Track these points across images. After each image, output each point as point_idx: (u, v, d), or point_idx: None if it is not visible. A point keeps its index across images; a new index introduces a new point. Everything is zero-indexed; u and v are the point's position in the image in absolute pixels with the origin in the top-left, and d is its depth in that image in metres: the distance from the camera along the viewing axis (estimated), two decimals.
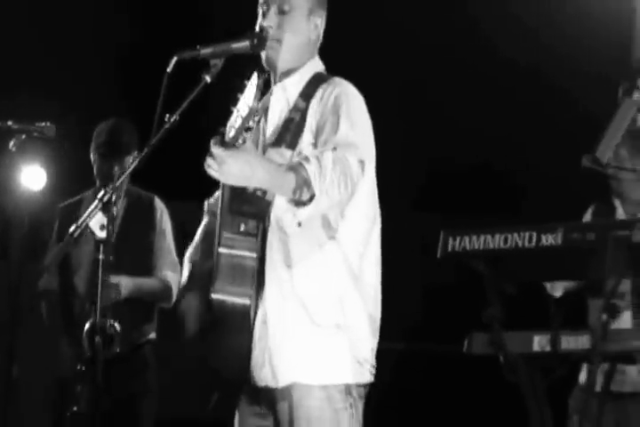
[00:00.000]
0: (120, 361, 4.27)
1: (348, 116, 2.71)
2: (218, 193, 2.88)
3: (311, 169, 2.51)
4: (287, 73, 2.83)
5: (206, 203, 3.12)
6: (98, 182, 4.62)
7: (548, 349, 3.66)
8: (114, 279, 4.24)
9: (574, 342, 3.65)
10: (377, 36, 5.89)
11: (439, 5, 6.07)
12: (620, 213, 4.25)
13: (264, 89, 2.64)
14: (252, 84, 2.51)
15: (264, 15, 2.82)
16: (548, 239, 3.55)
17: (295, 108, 2.78)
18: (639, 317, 3.71)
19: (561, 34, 5.77)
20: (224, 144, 2.43)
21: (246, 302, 2.66)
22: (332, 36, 3.01)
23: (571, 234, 3.53)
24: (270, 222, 2.76)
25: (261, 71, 2.66)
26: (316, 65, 2.89)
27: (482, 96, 6.08)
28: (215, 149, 2.45)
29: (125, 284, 4.36)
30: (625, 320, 4.08)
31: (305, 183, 2.51)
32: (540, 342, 3.68)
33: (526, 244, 3.57)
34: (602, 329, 3.51)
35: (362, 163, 2.64)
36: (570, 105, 5.80)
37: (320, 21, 2.92)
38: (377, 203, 2.91)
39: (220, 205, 2.76)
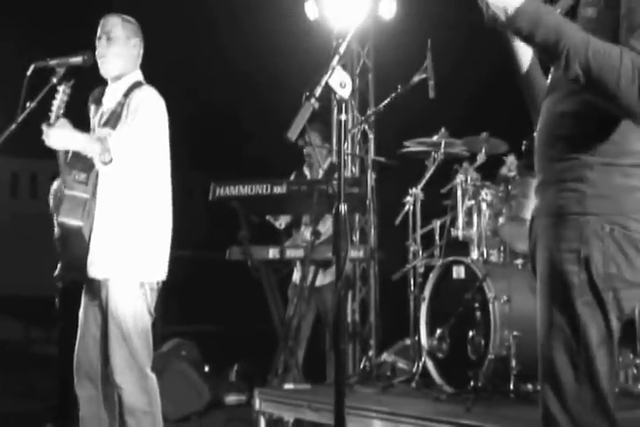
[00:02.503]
0: None
1: (144, 112, 3.54)
2: None
3: (112, 141, 3.42)
4: (116, 78, 3.68)
5: None
6: None
7: (278, 257, 5.03)
8: None
9: (294, 252, 5.09)
10: None
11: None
12: (308, 177, 5.64)
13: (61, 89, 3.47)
14: (62, 90, 3.49)
15: (99, 42, 3.69)
16: (278, 189, 4.92)
17: (118, 104, 3.63)
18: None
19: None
20: (49, 125, 3.47)
21: (80, 223, 3.57)
22: None
23: (292, 186, 4.94)
24: (100, 174, 3.74)
25: (67, 81, 3.49)
26: (137, 75, 3.74)
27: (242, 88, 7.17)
28: (44, 128, 3.46)
29: None
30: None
31: (107, 150, 3.41)
32: (273, 253, 5.03)
33: (264, 192, 4.94)
34: (311, 245, 4.98)
35: (148, 139, 3.49)
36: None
37: (137, 44, 3.71)
38: (168, 167, 3.79)
39: (61, 161, 3.71)
